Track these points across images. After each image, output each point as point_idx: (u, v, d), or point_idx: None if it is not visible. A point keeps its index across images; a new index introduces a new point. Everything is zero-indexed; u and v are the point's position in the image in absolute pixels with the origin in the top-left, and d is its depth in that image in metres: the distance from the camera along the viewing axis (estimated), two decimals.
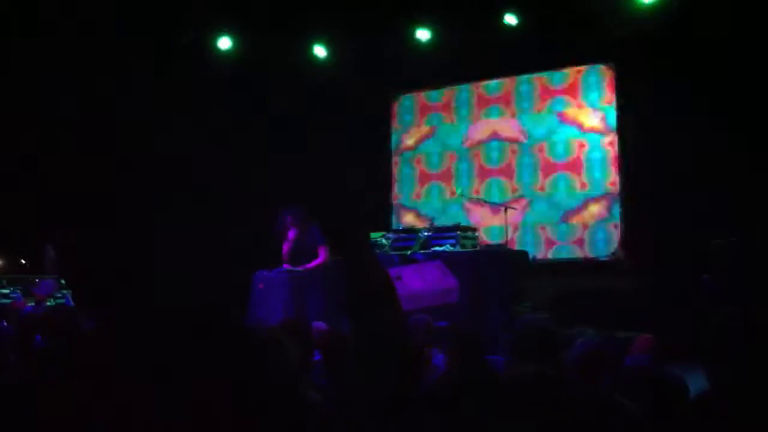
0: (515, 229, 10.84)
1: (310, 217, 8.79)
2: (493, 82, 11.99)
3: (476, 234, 9.87)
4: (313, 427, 1.62)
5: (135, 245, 10.24)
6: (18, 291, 8.91)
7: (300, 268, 8.47)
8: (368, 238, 9.36)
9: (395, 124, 12.78)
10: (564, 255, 11.13)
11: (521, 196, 11.46)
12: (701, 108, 9.25)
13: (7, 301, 8.66)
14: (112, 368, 0.90)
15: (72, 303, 8.58)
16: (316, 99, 11.82)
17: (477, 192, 11.70)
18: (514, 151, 11.71)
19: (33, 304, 8.00)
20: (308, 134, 11.73)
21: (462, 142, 12.14)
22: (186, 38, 11.35)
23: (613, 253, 9.12)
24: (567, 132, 11.34)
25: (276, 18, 11.12)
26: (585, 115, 11.25)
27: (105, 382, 0.90)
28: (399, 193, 12.66)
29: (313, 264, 8.54)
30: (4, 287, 9.08)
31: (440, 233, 9.43)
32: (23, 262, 9.92)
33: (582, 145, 11.21)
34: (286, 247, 8.77)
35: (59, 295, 8.94)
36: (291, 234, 8.77)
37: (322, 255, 8.59)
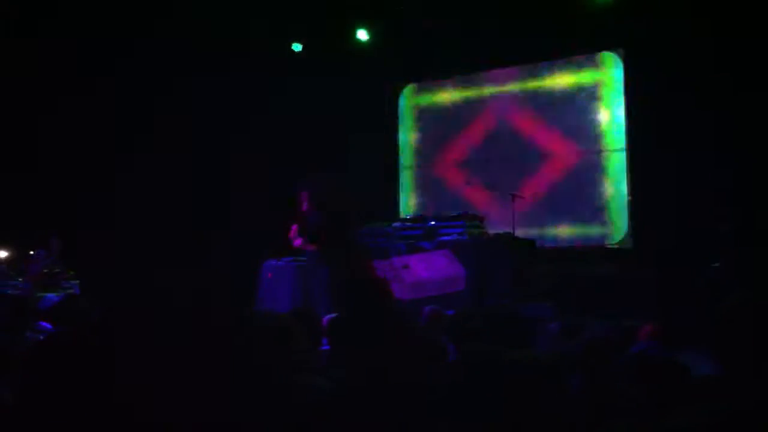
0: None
1: (322, 197, 8.39)
2: (500, 70, 11.97)
3: (483, 223, 9.85)
4: (321, 411, 1.64)
5: (141, 236, 10.29)
6: (29, 282, 8.98)
7: (308, 248, 8.24)
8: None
9: (401, 114, 12.78)
10: (570, 243, 11.13)
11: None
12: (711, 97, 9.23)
13: (19, 291, 8.71)
14: (118, 356, 0.91)
15: (80, 292, 8.64)
16: (323, 89, 11.83)
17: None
18: (521, 139, 11.70)
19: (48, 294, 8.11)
20: (312, 128, 11.74)
21: (470, 132, 12.13)
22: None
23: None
24: (575, 120, 11.32)
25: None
26: (593, 102, 11.22)
27: (111, 370, 0.91)
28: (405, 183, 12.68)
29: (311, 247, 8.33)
30: (11, 278, 9.14)
31: (447, 222, 9.43)
32: (32, 253, 9.96)
33: (591, 131, 11.19)
34: (294, 228, 8.45)
35: (67, 284, 9.01)
36: (302, 210, 8.41)
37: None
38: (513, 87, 11.88)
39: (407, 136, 12.79)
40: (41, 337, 4.35)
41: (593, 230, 11.05)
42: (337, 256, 7.93)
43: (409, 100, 12.83)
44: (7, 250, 9.96)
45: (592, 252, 10.77)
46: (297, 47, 11.98)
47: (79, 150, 10.34)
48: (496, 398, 2.30)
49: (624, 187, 10.85)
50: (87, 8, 9.86)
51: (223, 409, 1.00)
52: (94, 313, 4.44)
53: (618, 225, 10.87)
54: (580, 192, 11.20)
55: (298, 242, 8.39)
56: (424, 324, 5.31)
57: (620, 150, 10.93)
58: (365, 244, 9.22)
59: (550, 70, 11.59)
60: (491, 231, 9.78)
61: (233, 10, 10.94)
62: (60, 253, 9.77)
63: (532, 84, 11.73)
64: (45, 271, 9.32)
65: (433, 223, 9.38)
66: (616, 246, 10.78)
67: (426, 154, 12.65)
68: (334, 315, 5.59)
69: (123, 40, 10.26)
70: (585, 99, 11.27)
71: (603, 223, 10.99)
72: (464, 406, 2.43)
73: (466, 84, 12.28)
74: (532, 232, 11.01)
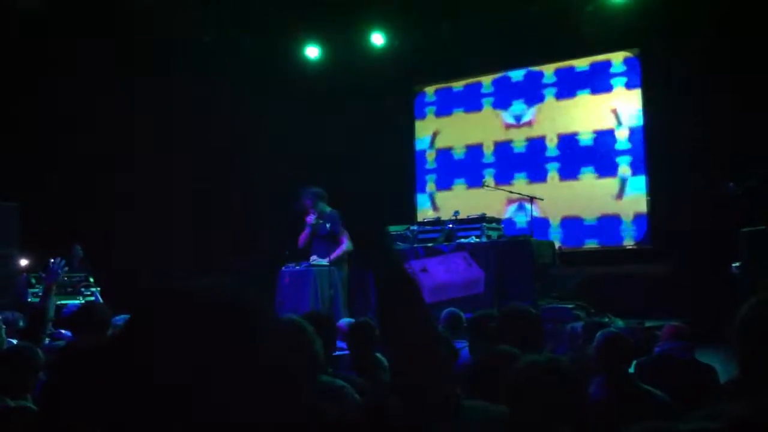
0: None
1: (327, 201, 8.48)
2: (516, 72, 11.92)
3: (501, 225, 9.80)
4: (338, 413, 1.63)
5: (158, 244, 10.32)
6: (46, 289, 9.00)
7: (326, 260, 8.28)
8: (387, 235, 9.16)
9: (417, 117, 12.76)
10: (590, 244, 11.06)
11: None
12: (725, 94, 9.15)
13: (37, 299, 8.75)
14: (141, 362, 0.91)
15: (101, 300, 8.67)
16: (339, 93, 11.84)
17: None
18: (538, 141, 11.65)
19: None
20: (330, 127, 11.74)
21: (487, 134, 12.09)
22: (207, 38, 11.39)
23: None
24: (592, 119, 11.25)
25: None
26: (609, 103, 11.14)
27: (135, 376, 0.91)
28: (422, 185, 12.65)
29: (336, 253, 8.34)
30: (33, 287, 9.19)
31: (465, 225, 9.38)
32: (52, 261, 10.01)
33: (607, 132, 11.13)
34: (304, 234, 8.58)
35: (88, 292, 9.04)
36: (309, 219, 8.54)
37: (344, 243, 8.34)
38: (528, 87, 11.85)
39: (424, 139, 12.76)
40: (60, 345, 4.37)
41: (612, 230, 10.96)
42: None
43: (426, 102, 12.79)
44: (28, 258, 10.03)
45: (612, 252, 10.69)
46: (313, 52, 12.00)
47: (99, 156, 10.41)
48: (512, 400, 2.29)
49: (643, 187, 10.77)
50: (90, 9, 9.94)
51: (250, 412, 0.98)
52: (113, 319, 4.46)
53: (637, 225, 10.79)
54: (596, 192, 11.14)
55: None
56: (442, 327, 5.30)
57: (638, 149, 10.86)
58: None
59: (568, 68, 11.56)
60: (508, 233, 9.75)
61: (249, 12, 10.98)
62: (81, 260, 9.81)
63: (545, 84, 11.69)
64: (65, 278, 9.36)
65: (450, 225, 9.33)
66: (636, 246, 10.70)
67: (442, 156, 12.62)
68: (352, 319, 5.60)
69: (126, 42, 10.33)
70: (601, 98, 11.21)
71: (623, 224, 10.91)
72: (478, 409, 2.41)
73: (481, 84, 12.26)
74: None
